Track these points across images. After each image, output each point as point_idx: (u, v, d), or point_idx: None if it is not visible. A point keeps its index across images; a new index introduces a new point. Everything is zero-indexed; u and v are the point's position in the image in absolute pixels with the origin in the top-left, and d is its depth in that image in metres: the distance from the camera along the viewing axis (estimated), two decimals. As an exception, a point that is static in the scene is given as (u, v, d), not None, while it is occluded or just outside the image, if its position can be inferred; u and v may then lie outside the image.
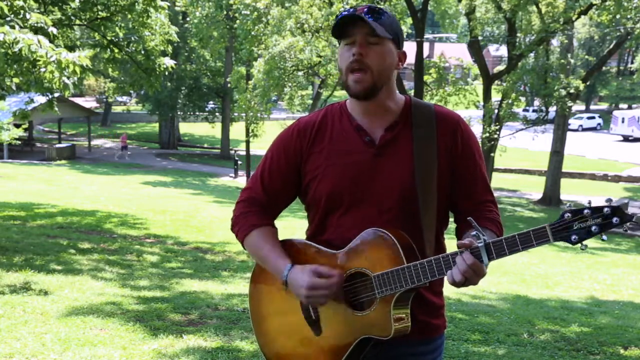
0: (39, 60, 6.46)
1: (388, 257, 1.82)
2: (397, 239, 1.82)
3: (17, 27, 6.51)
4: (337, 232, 1.95)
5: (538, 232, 1.68)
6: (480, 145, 19.26)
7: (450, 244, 1.96)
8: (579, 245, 1.67)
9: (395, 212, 1.90)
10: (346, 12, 1.87)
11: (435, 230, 1.94)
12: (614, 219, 1.62)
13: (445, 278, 1.81)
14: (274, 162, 2.03)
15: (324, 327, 1.92)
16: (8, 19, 6.93)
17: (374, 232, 1.85)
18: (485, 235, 1.73)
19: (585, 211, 1.64)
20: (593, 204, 1.65)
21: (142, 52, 11.48)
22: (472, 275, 1.73)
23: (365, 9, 1.87)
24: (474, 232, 1.73)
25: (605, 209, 1.63)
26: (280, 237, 2.07)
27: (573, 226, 1.65)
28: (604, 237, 1.65)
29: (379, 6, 1.91)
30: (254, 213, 2.03)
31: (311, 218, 2.05)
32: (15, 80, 8.29)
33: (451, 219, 2.06)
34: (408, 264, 1.79)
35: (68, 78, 6.92)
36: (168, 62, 11.37)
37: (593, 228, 1.63)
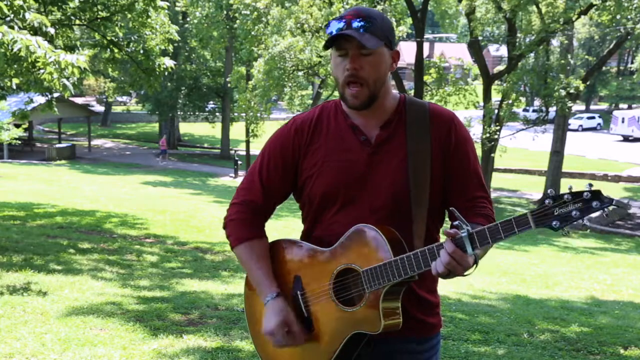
0: (38, 61, 6.46)
1: (376, 252, 1.84)
2: (385, 234, 1.83)
3: (16, 27, 6.51)
4: (329, 229, 1.96)
5: (520, 219, 1.69)
6: (481, 145, 19.19)
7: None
8: (561, 231, 1.67)
9: (387, 210, 1.91)
10: (337, 27, 1.85)
11: (429, 226, 1.94)
12: (594, 203, 1.62)
13: (432, 271, 1.81)
14: (270, 161, 2.02)
15: (315, 324, 1.94)
16: (8, 19, 6.93)
17: (362, 228, 1.86)
18: (469, 225, 1.73)
19: (566, 196, 1.65)
20: (574, 190, 1.65)
21: (142, 52, 11.47)
22: (456, 266, 1.72)
23: (356, 19, 1.85)
24: (456, 222, 1.73)
25: (585, 194, 1.63)
26: (279, 238, 2.09)
27: (554, 212, 1.65)
28: (586, 222, 1.65)
29: (367, 11, 1.87)
30: (246, 222, 2.03)
31: (304, 215, 2.06)
32: (15, 80, 8.29)
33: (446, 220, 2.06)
34: (395, 258, 1.80)
35: (67, 79, 6.92)
36: (168, 62, 11.36)
37: (573, 213, 1.64)
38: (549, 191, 1.69)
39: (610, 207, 1.64)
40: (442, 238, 2.02)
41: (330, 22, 1.88)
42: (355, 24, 1.84)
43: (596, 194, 1.62)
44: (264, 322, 1.95)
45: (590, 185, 1.64)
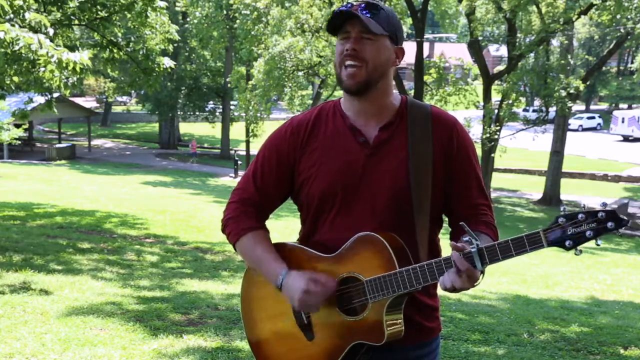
0: (38, 60, 6.46)
1: (380, 262, 1.80)
2: (389, 243, 1.80)
3: (17, 26, 6.50)
4: (329, 234, 1.92)
5: (532, 237, 1.65)
6: (481, 145, 19.11)
7: (446, 245, 1.96)
8: (574, 250, 1.63)
9: (388, 213, 1.87)
10: (341, 9, 1.85)
11: (429, 232, 1.91)
12: (609, 224, 1.58)
13: (439, 284, 1.79)
14: (266, 162, 1.99)
15: (316, 332, 1.90)
16: (8, 17, 6.92)
17: (366, 236, 1.82)
18: (479, 240, 1.71)
19: (580, 216, 1.61)
20: (587, 208, 1.62)
21: (142, 51, 11.45)
22: (464, 281, 1.71)
23: (362, 5, 1.85)
24: (466, 237, 1.70)
25: (600, 214, 1.59)
26: (279, 239, 2.06)
27: (567, 231, 1.62)
28: (599, 242, 1.62)
29: (376, 2, 1.88)
30: (246, 215, 2.00)
31: (303, 218, 2.02)
32: (15, 79, 8.29)
33: (446, 222, 2.05)
34: (400, 269, 1.77)
35: (67, 78, 6.92)
36: (168, 62, 11.35)
37: (587, 233, 1.61)
38: (562, 209, 1.65)
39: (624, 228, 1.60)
40: (443, 242, 2.01)
41: (335, 10, 1.88)
42: (360, 8, 1.84)
43: (611, 214, 1.58)
44: (292, 295, 1.85)
45: (605, 204, 1.61)
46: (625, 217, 1.59)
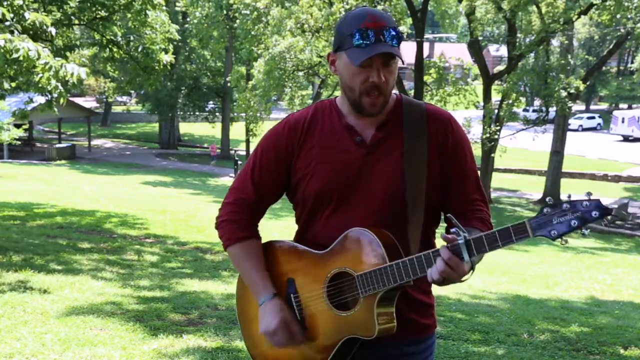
0: (36, 66, 6.48)
1: (371, 256, 1.82)
2: (380, 238, 1.82)
3: (15, 32, 6.50)
4: (324, 231, 1.94)
5: (518, 227, 1.67)
6: (481, 145, 19.07)
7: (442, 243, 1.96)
8: (559, 240, 1.64)
9: (382, 212, 1.89)
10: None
11: (424, 229, 1.92)
12: (593, 213, 1.60)
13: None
14: (264, 160, 2.00)
15: (309, 327, 1.93)
16: (7, 23, 6.92)
17: (357, 232, 1.85)
18: (467, 232, 1.72)
19: (564, 205, 1.62)
20: (572, 198, 1.63)
21: (141, 49, 11.45)
22: (451, 273, 1.71)
23: (384, 30, 1.79)
24: (454, 229, 1.72)
25: (584, 203, 1.61)
26: (278, 238, 2.07)
27: (552, 221, 1.63)
28: (585, 231, 1.62)
29: (387, 18, 1.83)
30: (239, 222, 2.01)
31: (298, 215, 2.04)
32: (13, 84, 8.30)
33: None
34: (390, 263, 1.79)
35: (65, 85, 6.93)
36: (167, 58, 11.35)
37: (572, 222, 1.61)
38: (547, 199, 1.66)
39: (609, 217, 1.62)
40: (438, 241, 2.02)
41: (355, 31, 1.80)
42: (388, 36, 1.80)
43: (595, 204, 1.60)
44: (262, 323, 1.93)
45: (589, 194, 1.62)
46: (610, 207, 1.60)
